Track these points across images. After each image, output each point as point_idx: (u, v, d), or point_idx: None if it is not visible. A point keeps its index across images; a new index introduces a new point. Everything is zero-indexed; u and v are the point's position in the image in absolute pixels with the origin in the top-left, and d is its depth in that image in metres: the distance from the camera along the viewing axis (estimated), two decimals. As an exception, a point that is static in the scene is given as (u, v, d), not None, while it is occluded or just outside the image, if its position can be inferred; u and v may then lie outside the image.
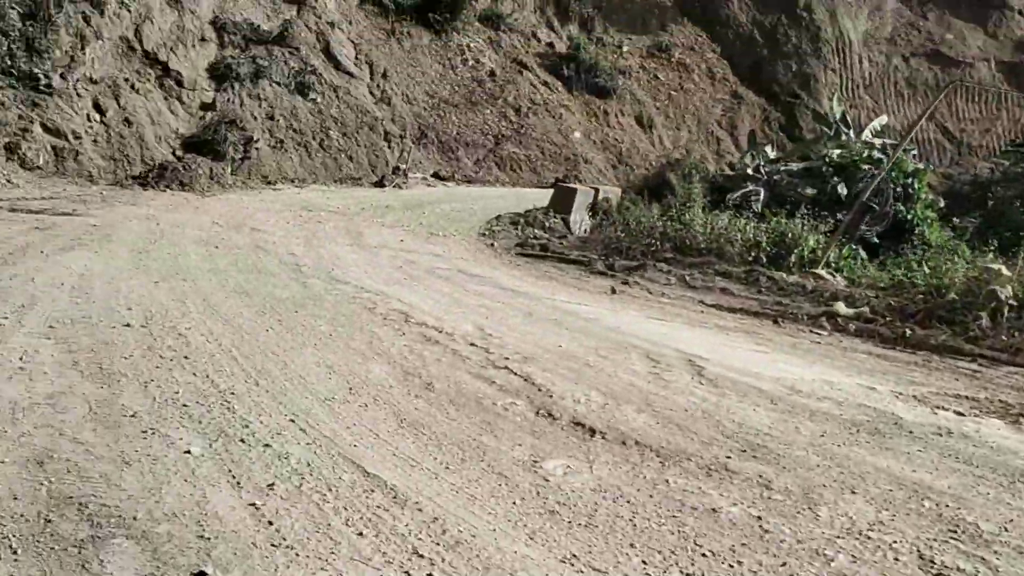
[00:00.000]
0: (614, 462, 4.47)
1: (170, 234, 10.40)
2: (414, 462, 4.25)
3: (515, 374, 5.95)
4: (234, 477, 3.77)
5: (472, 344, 6.69)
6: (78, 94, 15.71)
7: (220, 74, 18.77)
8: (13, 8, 15.13)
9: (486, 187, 23.06)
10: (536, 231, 15.03)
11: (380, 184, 19.86)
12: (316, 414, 4.76)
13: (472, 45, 27.06)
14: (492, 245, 13.40)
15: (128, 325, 6.13)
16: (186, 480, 3.69)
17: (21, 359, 5.12)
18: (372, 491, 3.80)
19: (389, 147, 21.91)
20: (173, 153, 16.66)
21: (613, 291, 10.37)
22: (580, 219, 16.05)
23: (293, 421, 4.60)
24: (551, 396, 5.53)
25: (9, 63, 14.80)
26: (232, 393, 4.93)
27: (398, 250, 11.43)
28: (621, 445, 4.74)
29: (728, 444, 4.86)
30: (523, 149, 25.75)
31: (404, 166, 21.44)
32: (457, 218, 15.89)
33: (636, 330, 7.93)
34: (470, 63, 26.68)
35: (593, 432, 4.91)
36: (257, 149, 18.09)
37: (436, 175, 22.76)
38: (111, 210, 11.92)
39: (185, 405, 4.65)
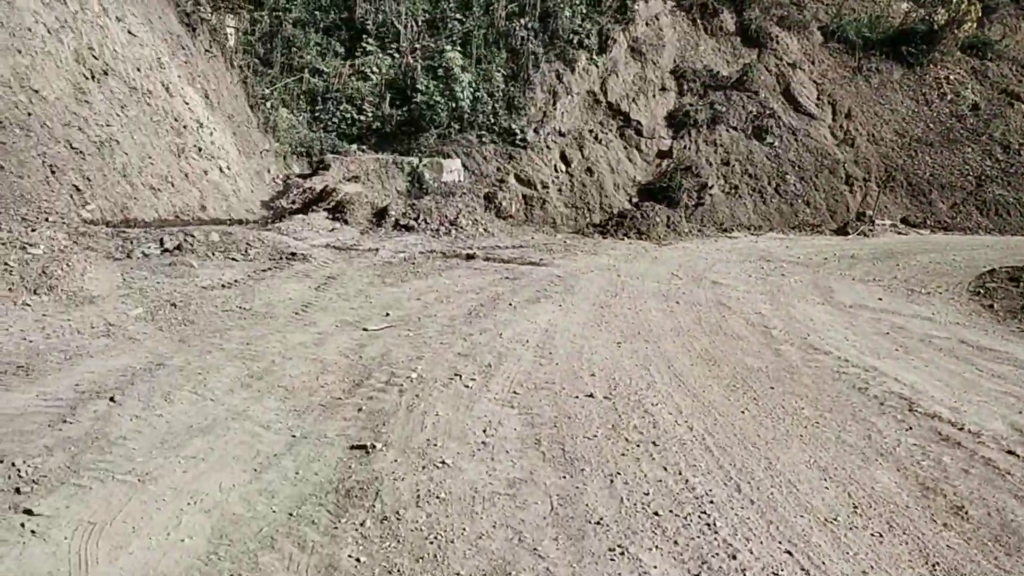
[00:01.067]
0: None
1: (630, 287, 10.01)
2: (972, 648, 2.98)
3: (1089, 508, 4.30)
4: (727, 646, 2.86)
5: (1010, 452, 5.07)
6: (547, 147, 16.61)
7: (678, 122, 18.64)
8: (499, 71, 16.60)
9: (965, 235, 20.01)
10: (1048, 290, 12.27)
11: (842, 231, 18.11)
12: (818, 545, 3.68)
13: (951, 77, 23.97)
14: (991, 307, 11.09)
15: (591, 395, 5.59)
16: (667, 640, 2.86)
17: (485, 431, 4.77)
18: None
19: (851, 191, 20.03)
20: (630, 200, 16.73)
21: None
22: (1107, 277, 12.82)
23: (790, 554, 3.57)
24: None
25: (492, 120, 16.32)
26: (710, 501, 4.05)
27: (879, 311, 9.83)
28: None
29: None
30: (1012, 192, 22.05)
31: (870, 212, 19.38)
32: (938, 272, 13.63)
33: None
34: (948, 97, 23.62)
35: None
36: (711, 196, 17.54)
37: (905, 221, 20.27)
38: (573, 259, 11.98)
39: (657, 513, 3.86)
